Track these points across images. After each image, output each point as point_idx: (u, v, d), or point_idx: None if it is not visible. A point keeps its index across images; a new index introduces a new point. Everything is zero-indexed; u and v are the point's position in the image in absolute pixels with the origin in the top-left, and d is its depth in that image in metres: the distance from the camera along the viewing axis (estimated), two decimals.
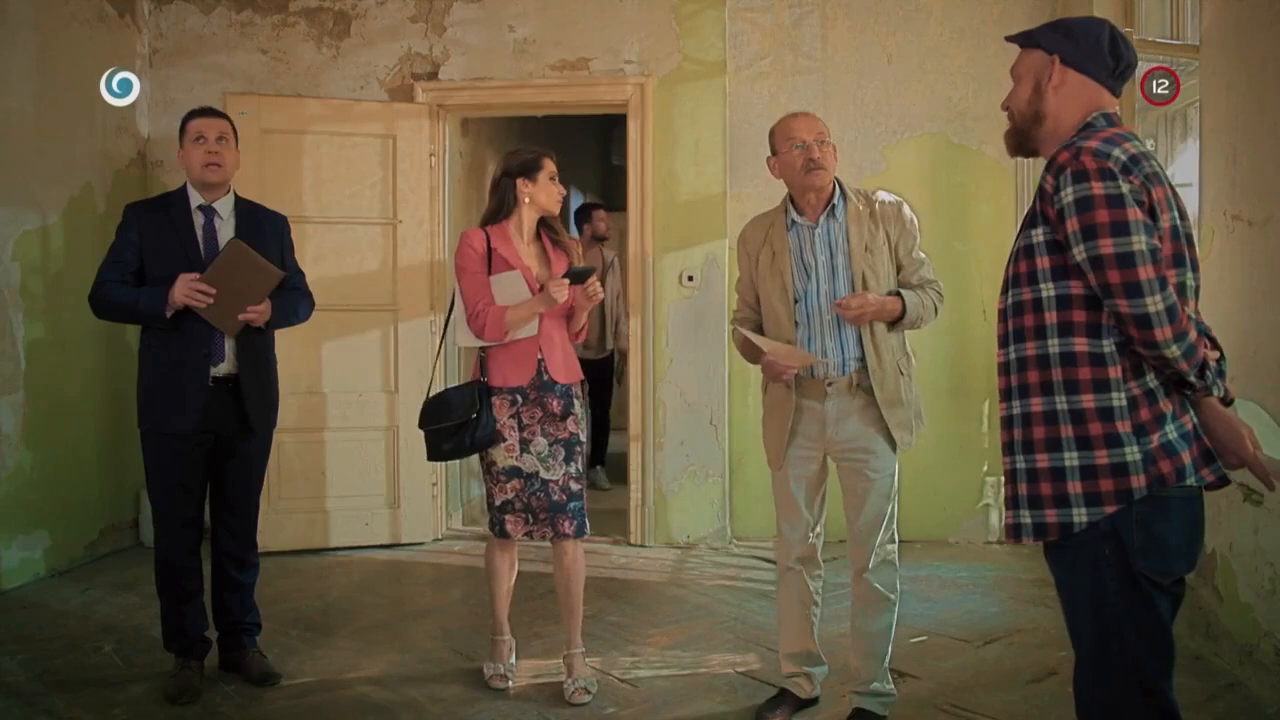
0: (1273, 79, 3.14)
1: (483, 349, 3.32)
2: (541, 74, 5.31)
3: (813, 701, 3.14)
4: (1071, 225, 1.81)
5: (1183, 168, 4.15)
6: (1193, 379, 1.87)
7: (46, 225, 4.73)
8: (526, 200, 3.31)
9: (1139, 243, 1.78)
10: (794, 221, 2.99)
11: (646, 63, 5.25)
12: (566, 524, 3.29)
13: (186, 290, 3.13)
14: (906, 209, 2.99)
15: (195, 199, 3.35)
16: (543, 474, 3.27)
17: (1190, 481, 1.85)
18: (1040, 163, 5.48)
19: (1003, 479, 1.99)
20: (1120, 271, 1.78)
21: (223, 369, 3.29)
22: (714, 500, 5.27)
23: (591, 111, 5.68)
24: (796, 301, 2.94)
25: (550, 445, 3.28)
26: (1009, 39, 2.15)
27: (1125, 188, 1.80)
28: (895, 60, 5.23)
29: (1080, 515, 1.85)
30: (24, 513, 4.56)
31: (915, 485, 5.06)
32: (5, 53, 4.46)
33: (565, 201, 5.03)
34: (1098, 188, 1.79)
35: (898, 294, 2.88)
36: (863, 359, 2.88)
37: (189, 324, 3.20)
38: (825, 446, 2.95)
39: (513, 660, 3.47)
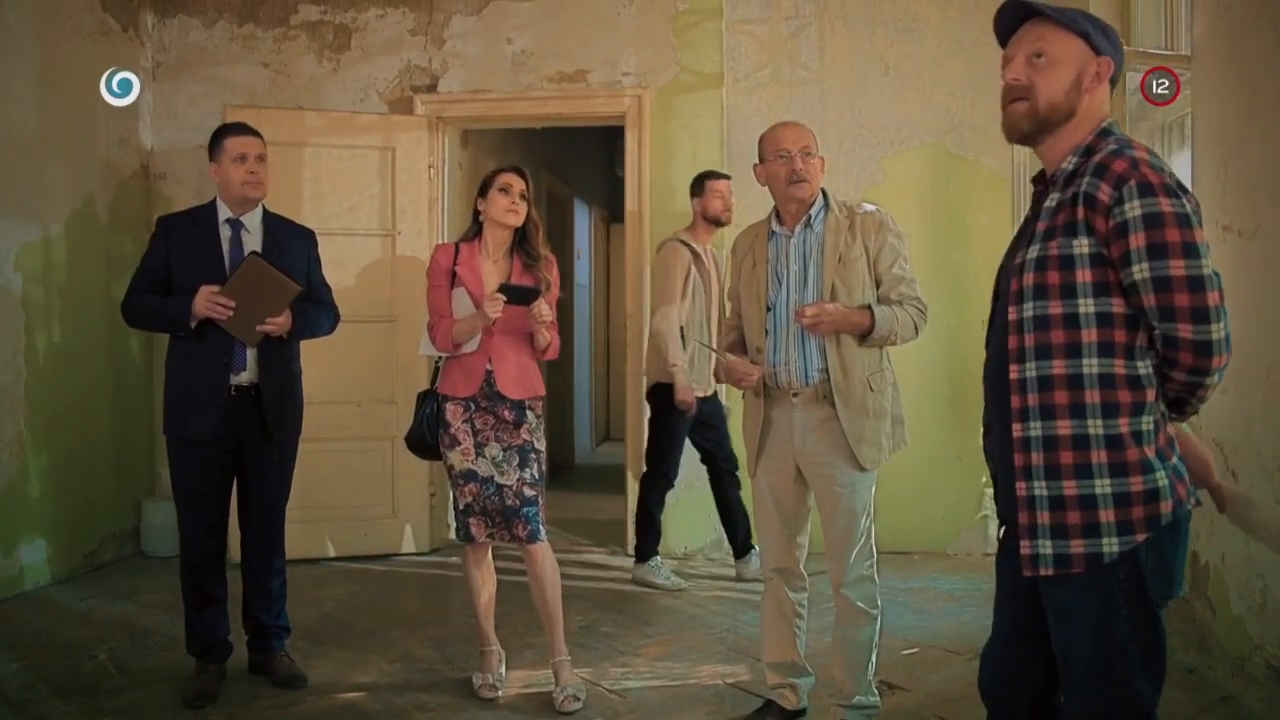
0: (1261, 89, 3.13)
1: (438, 359, 3.45)
2: (539, 86, 5.34)
3: (799, 713, 3.12)
4: (1135, 241, 1.70)
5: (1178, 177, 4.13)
6: (1194, 409, 1.85)
7: (49, 236, 4.77)
8: (484, 218, 3.40)
9: (1208, 267, 1.72)
10: (774, 231, 3.00)
11: (644, 74, 5.28)
12: (521, 528, 3.32)
13: (206, 302, 3.21)
14: (890, 223, 2.93)
15: (224, 212, 3.43)
16: (497, 479, 3.32)
17: (1190, 505, 1.82)
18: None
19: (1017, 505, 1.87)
20: (1190, 295, 1.70)
21: (244, 377, 3.36)
22: (711, 511, 5.23)
23: (589, 123, 5.72)
24: (769, 310, 2.94)
25: (504, 451, 3.33)
26: (1029, 7, 1.92)
27: (1189, 206, 1.72)
28: (893, 71, 5.24)
29: (1111, 545, 1.76)
30: (25, 521, 4.60)
31: (913, 496, 5.06)
32: (8, 65, 4.52)
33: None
34: (1166, 204, 1.70)
35: (869, 308, 2.84)
36: (827, 370, 2.85)
37: (211, 333, 3.28)
38: (795, 457, 2.93)
39: (502, 670, 3.49)
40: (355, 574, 4.98)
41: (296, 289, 3.31)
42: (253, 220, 3.45)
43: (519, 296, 3.23)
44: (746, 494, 3.95)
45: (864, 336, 2.84)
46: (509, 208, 3.34)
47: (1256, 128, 3.16)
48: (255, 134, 3.44)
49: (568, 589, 4.46)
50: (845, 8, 5.26)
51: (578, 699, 3.27)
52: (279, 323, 3.30)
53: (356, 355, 5.17)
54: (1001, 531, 2.03)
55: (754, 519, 3.06)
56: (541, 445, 3.40)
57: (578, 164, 8.77)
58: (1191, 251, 1.70)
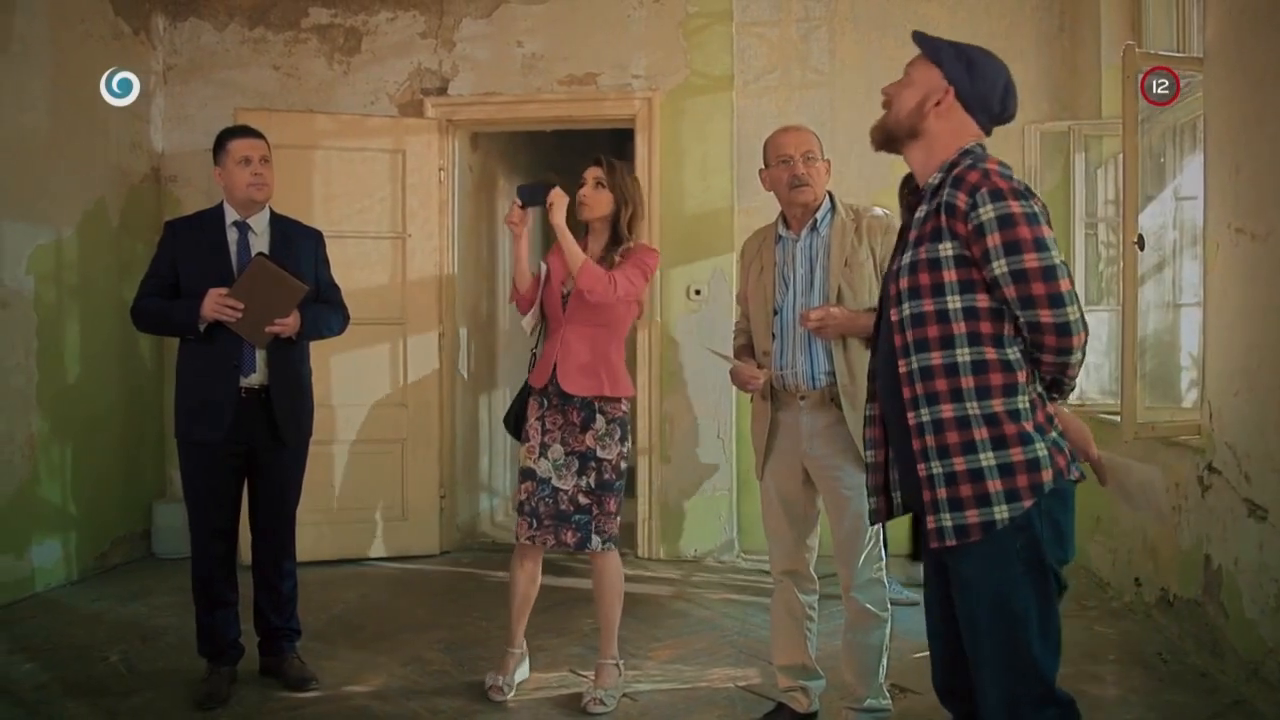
0: (1273, 91, 3.12)
1: (534, 348, 3.49)
2: (550, 89, 5.35)
3: (811, 716, 3.11)
4: (992, 241, 1.92)
5: (1190, 180, 4.12)
6: (1069, 387, 2.04)
7: (60, 239, 4.79)
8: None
9: (1057, 257, 1.93)
10: (780, 235, 3.00)
11: (654, 77, 5.28)
12: (569, 535, 3.32)
13: (214, 305, 3.21)
14: (897, 226, 2.94)
15: (231, 215, 3.43)
16: (554, 481, 3.32)
17: (1073, 476, 2.00)
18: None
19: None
20: (1045, 284, 1.91)
21: (254, 380, 3.36)
22: (721, 514, 5.27)
23: (599, 126, 5.71)
24: (775, 313, 2.94)
25: (566, 455, 3.33)
26: (917, 37, 2.21)
27: (1036, 207, 1.94)
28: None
29: (1002, 512, 1.93)
30: (36, 522, 4.61)
31: None
32: (21, 69, 4.53)
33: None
34: (1015, 206, 1.92)
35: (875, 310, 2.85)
36: (834, 373, 2.86)
37: (220, 336, 3.28)
38: (802, 460, 2.93)
39: (516, 674, 3.47)
40: (365, 576, 4.98)
41: (304, 289, 3.31)
42: (259, 222, 3.45)
43: (531, 196, 3.22)
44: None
45: (869, 339, 2.83)
46: (580, 200, 3.35)
47: (1268, 129, 3.15)
48: (259, 136, 3.44)
49: (578, 591, 4.50)
50: (855, 10, 5.26)
51: (603, 703, 3.27)
52: (287, 324, 3.30)
53: (366, 357, 5.18)
54: (872, 517, 2.25)
55: (763, 523, 3.06)
56: (609, 453, 3.30)
57: (586, 167, 8.76)
58: (1042, 245, 1.91)
